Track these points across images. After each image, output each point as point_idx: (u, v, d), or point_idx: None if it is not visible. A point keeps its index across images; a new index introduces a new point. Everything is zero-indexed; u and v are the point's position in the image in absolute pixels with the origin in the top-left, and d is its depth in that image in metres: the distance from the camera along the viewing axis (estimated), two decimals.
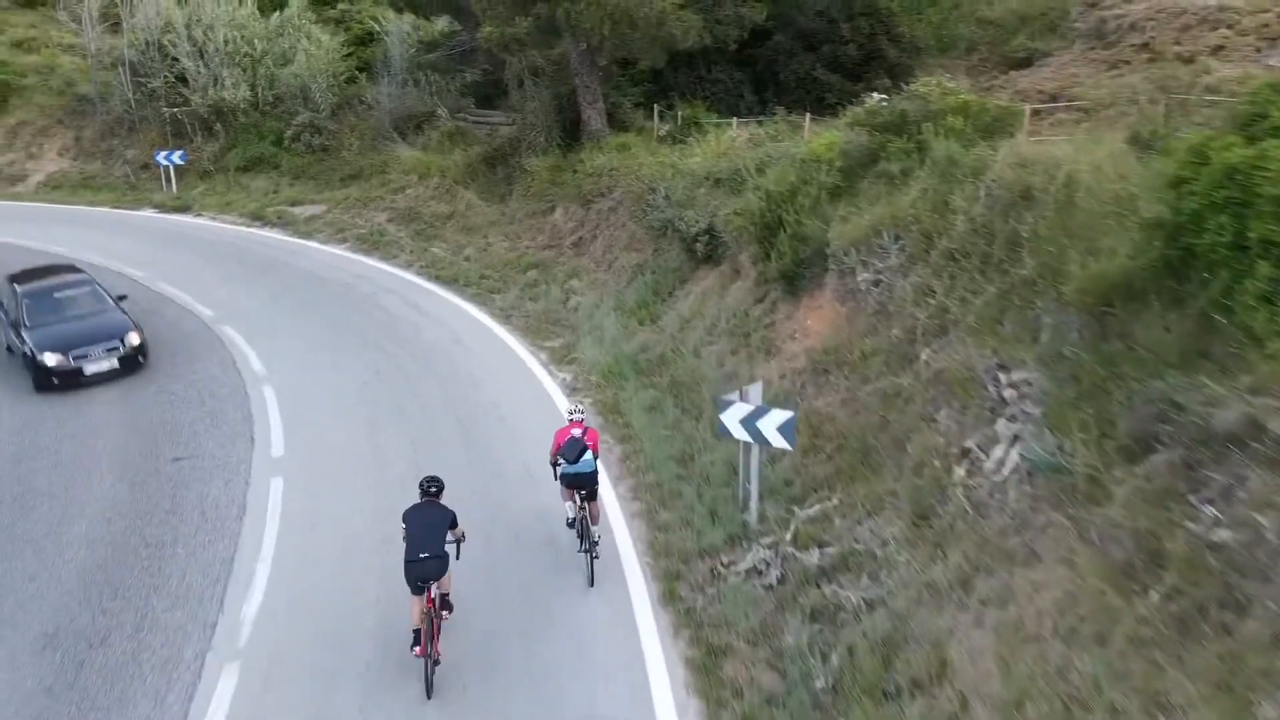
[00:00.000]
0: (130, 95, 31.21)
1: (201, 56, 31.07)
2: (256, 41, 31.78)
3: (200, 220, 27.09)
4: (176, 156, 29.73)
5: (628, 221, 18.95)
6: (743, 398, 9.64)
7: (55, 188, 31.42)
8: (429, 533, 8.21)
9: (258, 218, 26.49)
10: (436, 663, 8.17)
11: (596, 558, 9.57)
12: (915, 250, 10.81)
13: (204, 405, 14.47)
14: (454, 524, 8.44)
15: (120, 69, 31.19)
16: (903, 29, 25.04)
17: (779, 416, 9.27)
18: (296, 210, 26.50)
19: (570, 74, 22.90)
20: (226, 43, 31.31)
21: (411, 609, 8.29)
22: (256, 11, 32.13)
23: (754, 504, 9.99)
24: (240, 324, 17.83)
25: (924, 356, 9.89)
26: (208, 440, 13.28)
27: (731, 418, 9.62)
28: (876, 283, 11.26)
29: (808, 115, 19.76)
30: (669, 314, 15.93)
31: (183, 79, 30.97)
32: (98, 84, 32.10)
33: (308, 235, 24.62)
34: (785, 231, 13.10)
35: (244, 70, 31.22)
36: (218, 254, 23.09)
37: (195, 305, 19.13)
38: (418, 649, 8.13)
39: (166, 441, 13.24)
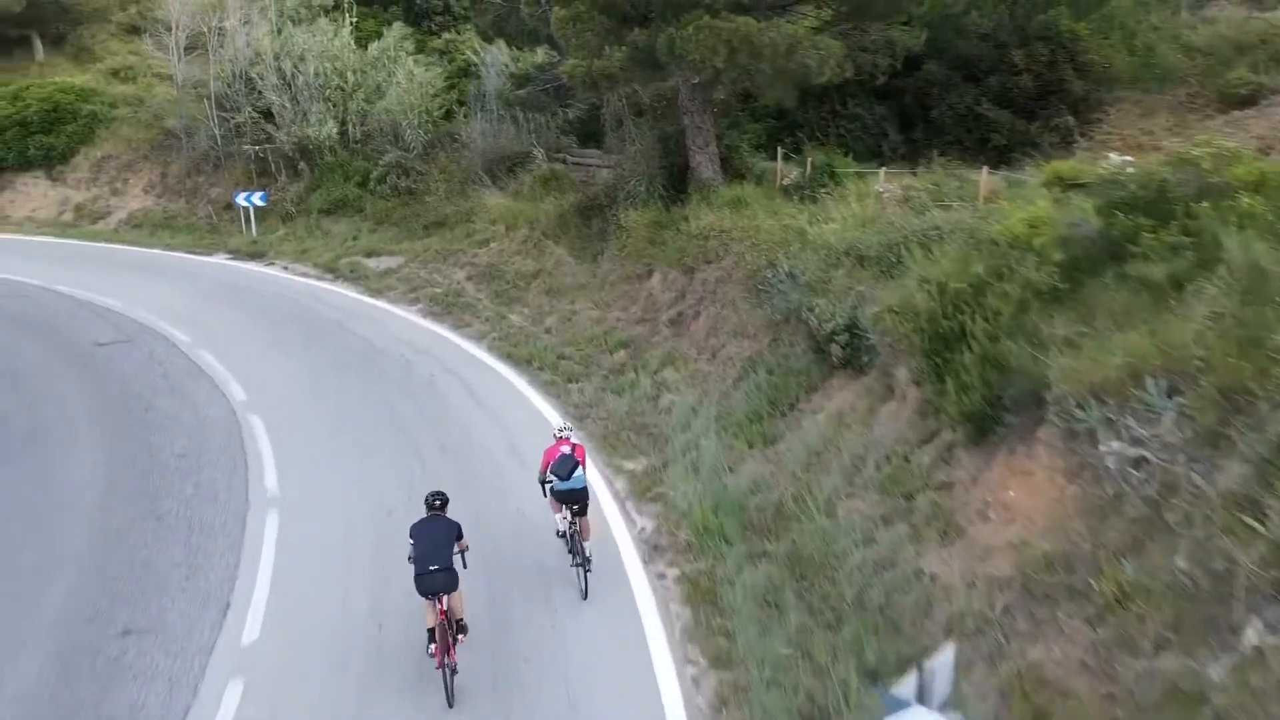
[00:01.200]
0: (216, 131, 29.40)
1: (289, 89, 29.03)
2: (349, 74, 29.59)
3: (271, 271, 24.67)
4: (257, 198, 27.60)
5: (739, 299, 15.05)
6: (922, 696, 5.50)
7: (136, 226, 29.85)
8: (436, 546, 8.35)
9: (330, 270, 23.86)
10: (454, 671, 8.27)
11: (590, 571, 9.58)
12: (1210, 421, 6.53)
13: (190, 540, 11.32)
14: (459, 535, 8.58)
15: (206, 102, 29.45)
16: (1091, 56, 20.37)
17: None
18: (371, 263, 23.75)
19: (679, 111, 19.27)
20: (317, 75, 29.19)
21: (425, 612, 8.42)
22: (352, 43, 29.93)
23: None
24: (271, 414, 14.77)
25: (1250, 634, 5.61)
26: (178, 598, 10.05)
27: None
28: (1139, 463, 7.00)
29: (984, 168, 15.41)
30: (790, 437, 11.91)
31: (268, 115, 28.96)
32: (184, 118, 30.50)
33: (379, 293, 21.72)
34: (971, 349, 8.97)
35: (333, 105, 28.99)
36: (276, 314, 20.39)
37: (229, 384, 16.25)
38: (433, 647, 8.26)
39: (128, 600, 10.07)
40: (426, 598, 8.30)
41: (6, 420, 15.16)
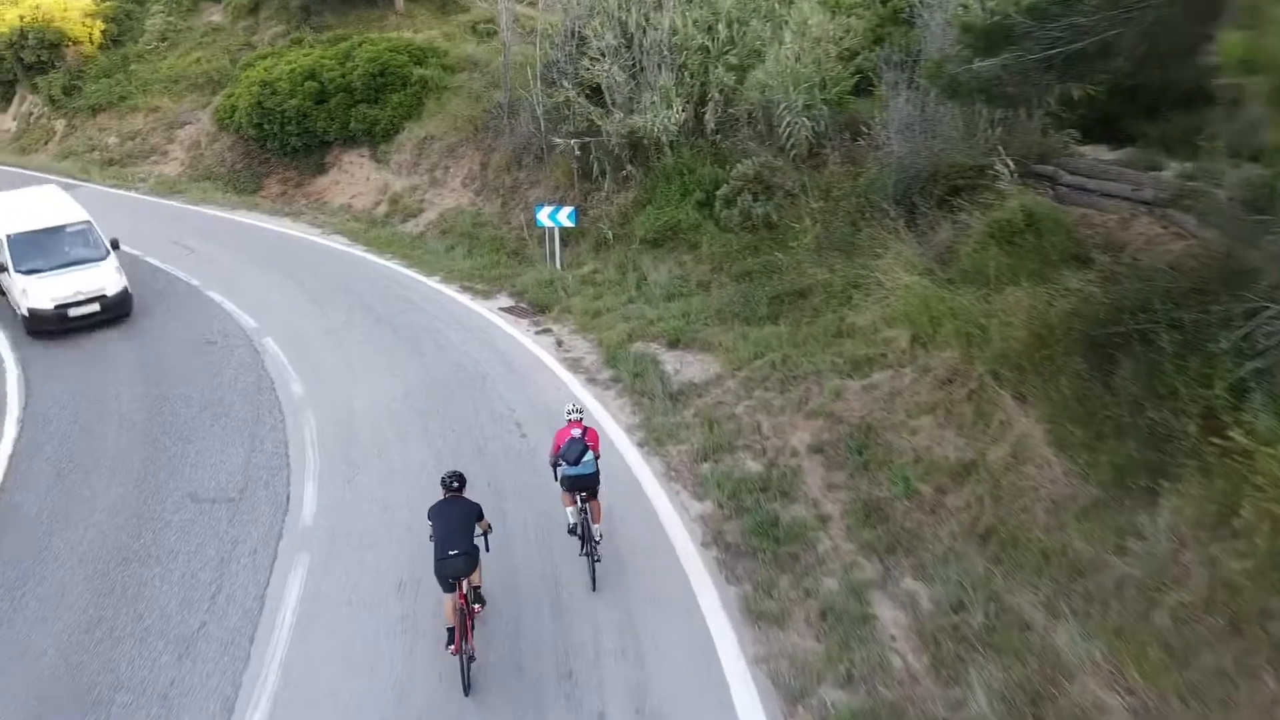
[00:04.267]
0: (539, 111, 21.31)
1: (629, 51, 19.90)
2: (721, 25, 19.70)
3: (537, 342, 15.87)
4: (564, 215, 19.00)
5: None
6: None
7: (444, 231, 23.05)
8: (456, 529, 8.07)
9: (611, 362, 14.38)
10: (472, 659, 7.97)
11: (598, 560, 9.07)
12: None
13: None
14: (480, 516, 8.30)
15: (529, 70, 21.43)
16: None
17: None
18: (670, 362, 13.81)
19: None
20: (674, 30, 19.69)
21: (445, 608, 8.12)
22: None
23: None
24: None
25: None
26: None
27: None
28: None
29: None
30: None
31: (596, 91, 20.15)
32: (508, 90, 22.87)
33: (660, 443, 11.70)
34: None
35: (687, 75, 19.33)
36: (492, 466, 11.48)
37: None
38: (452, 647, 7.96)
39: None
40: (446, 587, 7.98)
41: None
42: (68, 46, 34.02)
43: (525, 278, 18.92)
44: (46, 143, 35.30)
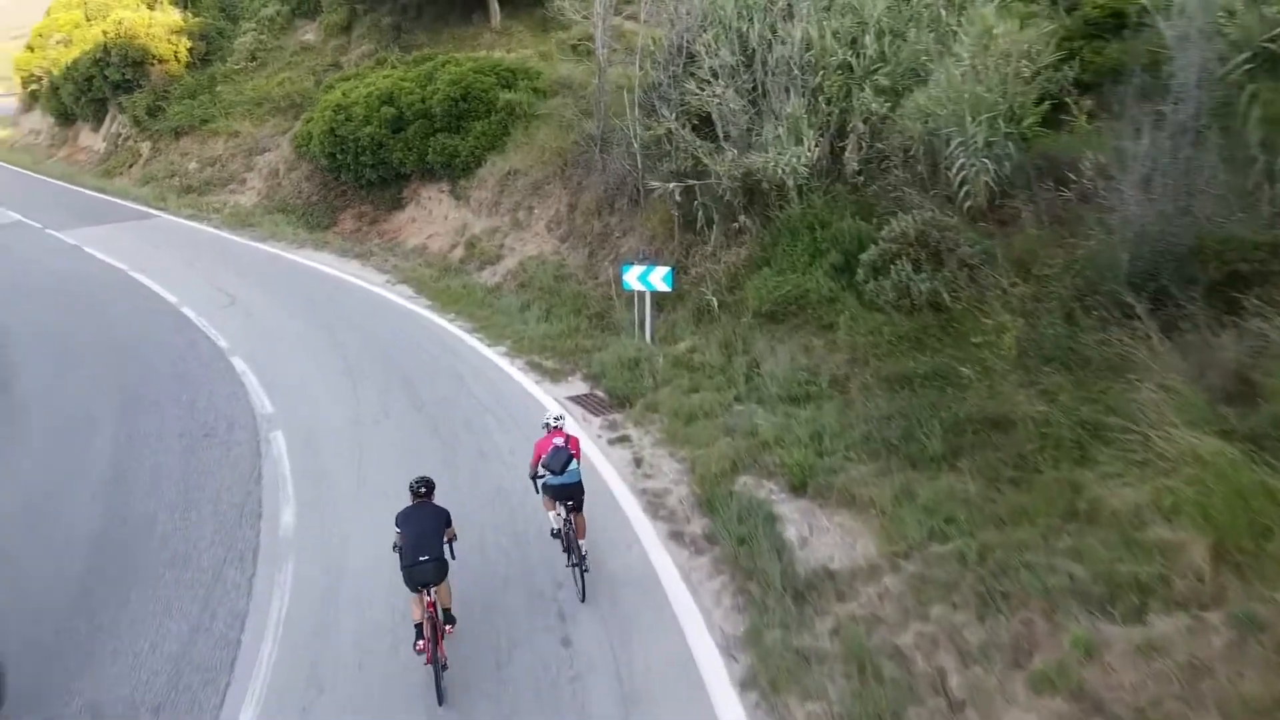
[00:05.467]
0: (635, 144, 17.37)
1: (750, 70, 15.80)
2: (868, 39, 15.39)
3: (608, 456, 11.79)
4: (658, 277, 14.93)
5: None
6: None
7: (522, 284, 19.38)
8: (425, 536, 7.88)
9: (708, 505, 10.14)
10: (444, 666, 7.72)
11: (586, 570, 8.79)
12: None
13: None
14: (448, 522, 8.15)
15: (625, 96, 17.53)
16: None
17: None
18: (792, 517, 9.42)
19: None
20: (808, 46, 15.50)
21: (411, 606, 7.95)
22: None
23: None
24: None
25: None
26: None
27: None
28: None
29: None
30: None
31: (706, 122, 16.08)
32: (601, 119, 19.03)
33: (776, 689, 7.25)
34: None
35: (821, 101, 15.08)
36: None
37: None
38: (420, 643, 7.73)
39: None
40: (415, 590, 7.78)
41: None
42: (152, 65, 32.33)
43: (606, 354, 14.95)
44: (131, 166, 33.74)
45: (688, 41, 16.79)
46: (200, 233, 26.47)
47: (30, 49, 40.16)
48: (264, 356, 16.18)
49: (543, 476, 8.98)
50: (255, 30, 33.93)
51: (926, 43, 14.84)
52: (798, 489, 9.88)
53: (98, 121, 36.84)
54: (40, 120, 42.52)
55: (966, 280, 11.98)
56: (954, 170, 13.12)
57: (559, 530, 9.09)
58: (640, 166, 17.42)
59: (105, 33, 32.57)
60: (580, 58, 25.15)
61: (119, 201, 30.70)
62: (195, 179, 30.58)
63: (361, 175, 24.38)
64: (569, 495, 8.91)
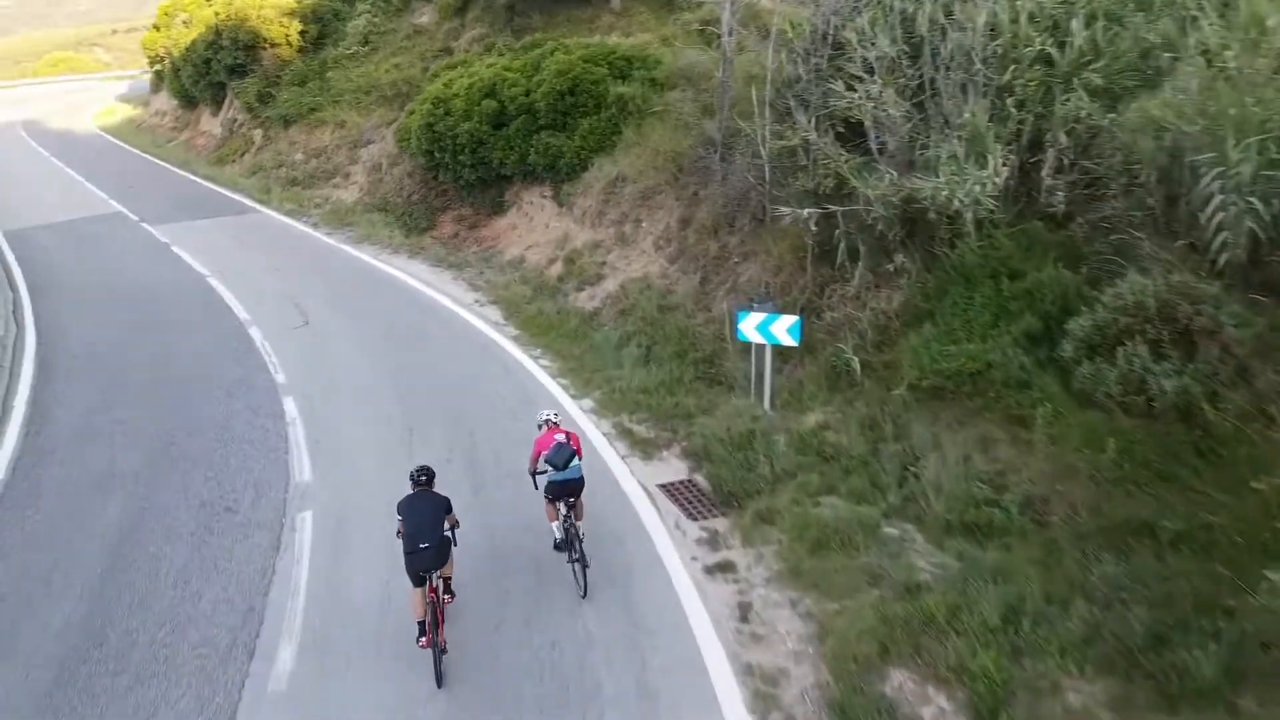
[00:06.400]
0: (764, 152, 14.11)
1: (918, 65, 12.31)
2: (1076, 24, 11.65)
3: (703, 593, 8.77)
4: (783, 329, 11.65)
5: None
6: None
7: (623, 311, 16.49)
8: (426, 522, 7.94)
9: (842, 716, 7.02)
10: (444, 651, 7.75)
11: (587, 566, 8.61)
12: None
13: None
14: (449, 509, 8.20)
15: (756, 93, 14.26)
16: None
17: None
18: None
19: None
20: (994, 33, 11.90)
21: (413, 601, 7.92)
22: None
23: None
24: None
25: None
26: None
27: None
28: None
29: None
30: None
31: (855, 130, 12.66)
32: (724, 120, 15.81)
33: None
34: None
35: (1013, 103, 11.45)
36: None
37: None
38: (423, 640, 7.74)
39: None
40: (416, 581, 7.84)
41: None
42: (264, 48, 30.98)
43: (713, 420, 11.91)
44: (243, 154, 32.71)
45: (836, 27, 13.37)
46: (294, 232, 24.81)
47: (156, 28, 39.96)
48: (320, 398, 13.95)
49: (544, 472, 8.88)
50: (369, 12, 32.15)
51: (1165, 31, 10.98)
52: (985, 716, 6.59)
53: (216, 106, 36.13)
54: (166, 101, 42.45)
55: (1232, 377, 8.30)
56: (1208, 210, 9.35)
57: (562, 541, 8.95)
58: (768, 180, 14.19)
59: (217, 14, 31.50)
60: (707, 43, 21.96)
61: (223, 192, 29.56)
62: (300, 171, 29.10)
63: (460, 175, 22.04)
64: (571, 492, 8.85)
